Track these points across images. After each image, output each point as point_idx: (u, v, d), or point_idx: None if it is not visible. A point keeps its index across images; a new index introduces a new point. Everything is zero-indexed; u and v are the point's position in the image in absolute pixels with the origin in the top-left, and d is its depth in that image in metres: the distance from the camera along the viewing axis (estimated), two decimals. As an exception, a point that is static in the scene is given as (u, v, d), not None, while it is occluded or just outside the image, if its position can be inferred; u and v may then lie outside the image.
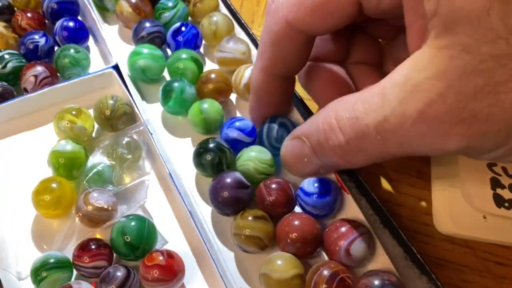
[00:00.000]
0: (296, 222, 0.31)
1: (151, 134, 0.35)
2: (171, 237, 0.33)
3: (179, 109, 0.38)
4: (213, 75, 0.38)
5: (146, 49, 0.39)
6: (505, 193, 0.33)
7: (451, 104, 0.21)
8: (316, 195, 0.32)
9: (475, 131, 0.21)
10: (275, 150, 0.34)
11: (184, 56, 0.39)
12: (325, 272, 0.29)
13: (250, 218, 0.31)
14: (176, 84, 0.37)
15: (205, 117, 0.36)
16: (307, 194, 0.32)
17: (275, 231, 0.31)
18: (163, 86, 0.38)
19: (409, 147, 0.24)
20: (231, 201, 0.32)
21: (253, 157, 0.33)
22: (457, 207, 0.33)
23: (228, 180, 0.32)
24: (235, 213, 0.32)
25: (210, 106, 0.36)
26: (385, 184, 0.37)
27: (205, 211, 0.35)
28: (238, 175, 0.32)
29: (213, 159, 0.33)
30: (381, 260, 0.31)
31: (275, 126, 0.34)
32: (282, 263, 0.29)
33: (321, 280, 0.28)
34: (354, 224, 0.31)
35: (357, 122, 0.24)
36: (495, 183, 0.33)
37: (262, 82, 0.33)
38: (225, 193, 0.32)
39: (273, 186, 0.32)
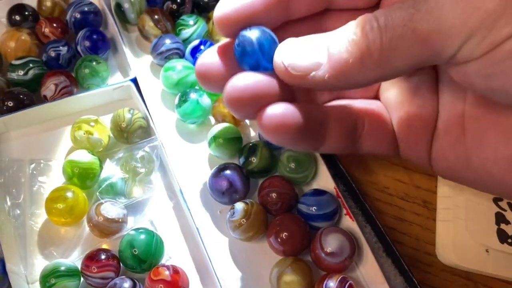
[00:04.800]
0: (287, 223, 0.32)
1: (165, 148, 0.36)
2: (176, 253, 0.34)
3: (192, 113, 0.38)
4: None
5: (181, 63, 0.40)
6: (509, 229, 0.33)
7: None
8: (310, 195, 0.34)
9: None
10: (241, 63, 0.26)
11: None
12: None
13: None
14: (195, 91, 0.38)
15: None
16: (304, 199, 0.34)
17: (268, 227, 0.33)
18: (182, 92, 0.39)
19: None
20: (225, 191, 0.34)
21: None
22: (460, 239, 0.34)
23: (227, 171, 0.34)
24: (228, 202, 0.35)
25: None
26: (391, 211, 0.37)
27: (211, 228, 0.35)
28: (235, 167, 0.35)
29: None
30: (382, 288, 0.32)
31: (246, 34, 0.25)
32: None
33: None
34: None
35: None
36: (500, 218, 0.34)
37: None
38: (223, 183, 0.34)
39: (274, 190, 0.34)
